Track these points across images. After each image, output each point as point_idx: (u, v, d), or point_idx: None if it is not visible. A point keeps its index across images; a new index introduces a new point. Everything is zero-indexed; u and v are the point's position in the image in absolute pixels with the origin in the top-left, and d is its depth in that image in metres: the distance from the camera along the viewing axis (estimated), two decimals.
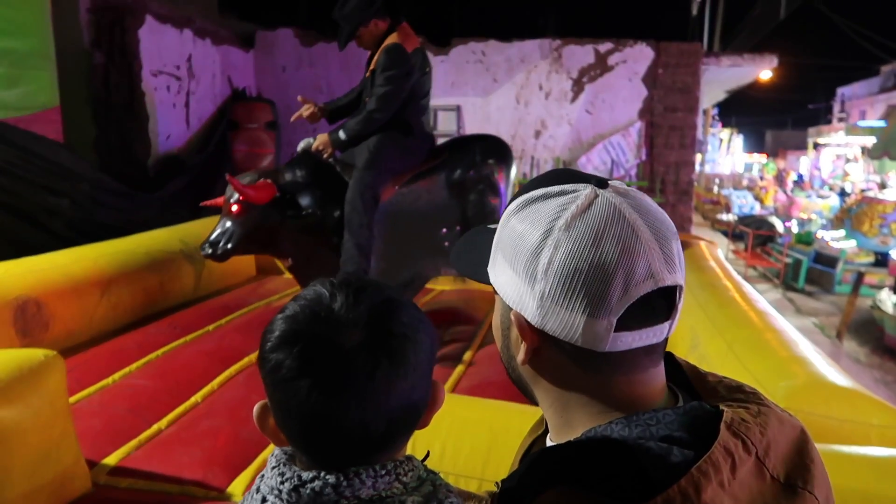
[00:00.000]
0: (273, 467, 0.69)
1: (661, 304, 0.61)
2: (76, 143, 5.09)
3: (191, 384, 2.50)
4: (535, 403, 0.72)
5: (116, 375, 2.56)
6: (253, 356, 2.77)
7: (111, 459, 1.99)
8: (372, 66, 3.05)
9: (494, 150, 3.32)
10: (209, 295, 3.88)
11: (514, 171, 3.40)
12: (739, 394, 0.66)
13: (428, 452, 0.81)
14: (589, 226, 0.59)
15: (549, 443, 0.71)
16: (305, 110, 3.15)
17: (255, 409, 0.71)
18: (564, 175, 0.66)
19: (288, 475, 0.67)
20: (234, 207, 2.84)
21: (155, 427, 2.19)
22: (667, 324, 0.62)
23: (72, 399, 2.16)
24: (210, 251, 2.81)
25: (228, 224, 2.84)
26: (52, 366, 1.75)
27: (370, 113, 2.99)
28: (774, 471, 0.59)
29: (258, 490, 0.69)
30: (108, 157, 5.63)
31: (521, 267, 0.62)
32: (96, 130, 5.63)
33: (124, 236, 3.67)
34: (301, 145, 3.12)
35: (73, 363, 2.54)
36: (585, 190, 0.62)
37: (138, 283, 3.35)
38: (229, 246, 2.80)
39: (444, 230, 3.23)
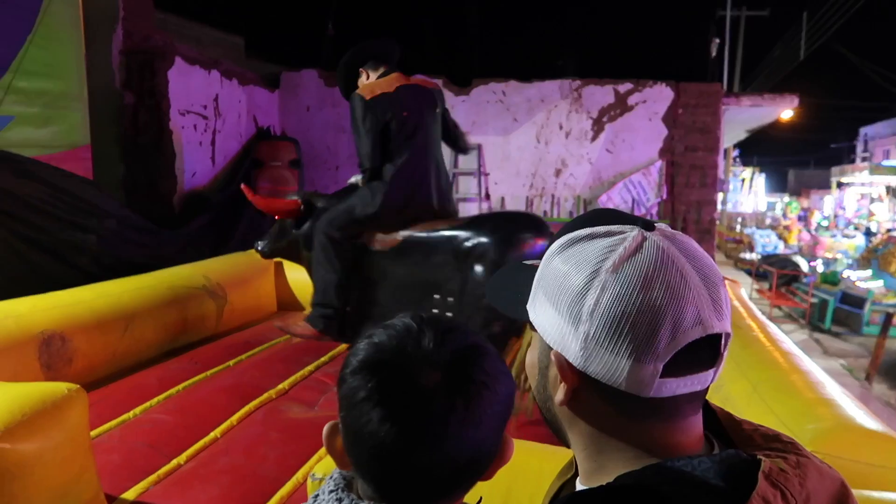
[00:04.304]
0: (331, 491, 0.70)
1: (707, 351, 0.60)
2: (105, 180, 5.21)
3: (210, 420, 2.50)
4: (566, 445, 0.71)
5: (137, 410, 2.57)
6: (272, 392, 2.77)
7: (129, 494, 1.98)
8: None
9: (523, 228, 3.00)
10: (230, 330, 3.89)
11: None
12: (777, 443, 0.64)
13: (480, 498, 0.78)
14: (637, 269, 0.58)
15: (579, 487, 0.69)
16: None
17: (326, 427, 0.72)
18: (609, 215, 0.66)
19: (346, 502, 0.68)
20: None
21: (174, 462, 2.18)
22: (711, 371, 0.61)
23: (92, 433, 2.16)
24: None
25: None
26: (75, 400, 1.76)
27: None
28: None
29: None
30: (135, 194, 5.75)
31: (565, 307, 0.61)
32: (124, 168, 5.76)
33: (148, 272, 3.72)
34: (352, 180, 3.30)
35: (95, 397, 2.56)
36: (633, 232, 0.61)
37: (161, 318, 3.38)
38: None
39: (438, 295, 3.06)
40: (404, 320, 0.71)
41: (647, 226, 0.63)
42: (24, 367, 2.56)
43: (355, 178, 3.25)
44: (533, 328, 0.69)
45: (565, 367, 0.63)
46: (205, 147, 6.45)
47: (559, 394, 0.64)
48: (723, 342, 0.61)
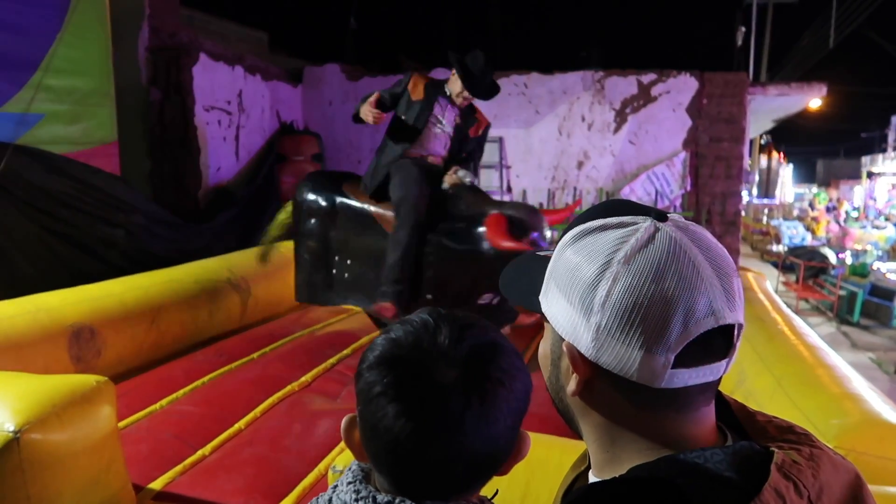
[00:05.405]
0: (349, 482, 0.71)
1: (720, 341, 0.60)
2: (132, 176, 5.29)
3: (235, 411, 2.54)
4: (579, 436, 0.71)
5: (164, 401, 2.62)
6: (295, 384, 2.80)
7: (157, 484, 2.03)
8: (478, 134, 3.61)
9: None
10: (255, 323, 3.95)
11: None
12: (790, 434, 0.64)
13: (497, 491, 0.79)
14: (650, 260, 0.58)
15: (591, 479, 0.69)
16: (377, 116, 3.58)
17: (344, 420, 0.73)
18: (621, 206, 0.66)
19: (363, 493, 0.68)
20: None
21: (199, 453, 2.22)
22: (724, 362, 0.61)
23: (121, 424, 2.21)
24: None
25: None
26: (104, 392, 1.80)
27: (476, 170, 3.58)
28: None
29: (329, 501, 0.70)
30: (162, 189, 5.84)
31: (577, 298, 0.61)
32: (151, 164, 5.84)
33: (175, 266, 3.78)
34: (468, 179, 3.44)
35: (123, 389, 2.61)
36: (645, 223, 0.61)
37: (187, 311, 3.44)
38: None
39: None
40: (422, 315, 0.71)
41: (660, 216, 0.62)
42: (54, 360, 2.63)
43: (466, 175, 3.44)
44: (545, 319, 0.69)
45: (577, 358, 0.63)
46: (229, 142, 6.51)
47: (571, 384, 0.64)
48: (735, 333, 0.61)
